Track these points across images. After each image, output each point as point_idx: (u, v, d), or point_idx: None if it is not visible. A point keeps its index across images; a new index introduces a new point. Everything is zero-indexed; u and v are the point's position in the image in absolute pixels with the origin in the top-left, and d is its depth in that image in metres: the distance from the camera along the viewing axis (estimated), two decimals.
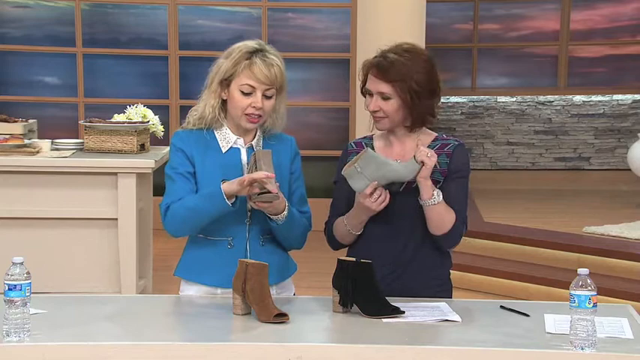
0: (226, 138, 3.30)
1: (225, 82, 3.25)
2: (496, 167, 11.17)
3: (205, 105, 3.29)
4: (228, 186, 3.15)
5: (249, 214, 3.27)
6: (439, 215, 3.20)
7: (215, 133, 3.31)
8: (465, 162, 3.30)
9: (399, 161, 3.21)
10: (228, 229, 3.26)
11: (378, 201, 3.16)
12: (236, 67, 3.22)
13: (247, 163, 3.26)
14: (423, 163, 3.12)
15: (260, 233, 3.29)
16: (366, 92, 3.28)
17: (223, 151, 3.29)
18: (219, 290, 3.27)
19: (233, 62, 3.22)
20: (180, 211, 3.22)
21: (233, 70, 3.22)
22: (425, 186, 3.17)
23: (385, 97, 3.22)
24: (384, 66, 3.21)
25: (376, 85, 3.22)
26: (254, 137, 3.33)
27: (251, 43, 3.27)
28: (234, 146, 3.30)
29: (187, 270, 3.34)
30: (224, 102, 3.29)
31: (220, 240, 3.28)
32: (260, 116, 3.25)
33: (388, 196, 3.17)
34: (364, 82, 3.28)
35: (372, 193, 3.14)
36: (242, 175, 3.21)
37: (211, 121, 3.29)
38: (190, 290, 3.33)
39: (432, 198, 3.17)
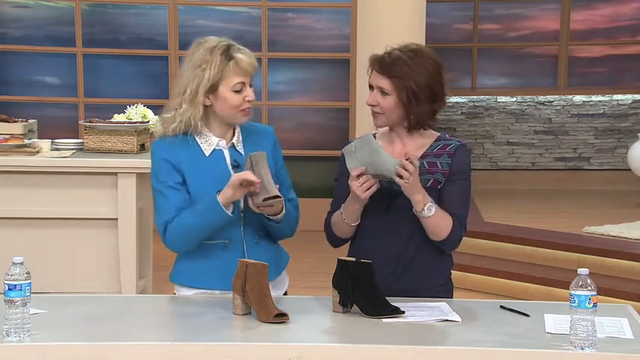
0: (208, 141, 3.28)
1: (212, 89, 3.22)
2: (496, 167, 11.16)
3: (191, 116, 3.22)
4: (223, 194, 3.16)
5: (242, 214, 3.27)
6: (435, 225, 3.20)
7: (196, 138, 3.28)
8: (466, 163, 3.30)
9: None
10: (224, 232, 3.26)
11: (363, 187, 3.14)
12: (222, 71, 3.20)
13: (231, 164, 3.26)
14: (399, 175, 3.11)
15: (254, 231, 3.29)
16: (370, 86, 3.29)
17: (207, 154, 3.28)
18: (217, 292, 3.27)
19: (217, 68, 3.19)
20: (179, 230, 3.20)
21: (219, 75, 3.20)
22: (414, 201, 3.16)
23: (384, 93, 3.23)
24: (386, 61, 3.22)
25: (377, 79, 3.24)
26: (233, 135, 3.32)
27: (219, 42, 3.23)
28: (217, 148, 3.29)
29: (185, 275, 3.33)
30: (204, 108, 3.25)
31: (216, 243, 3.27)
32: (250, 107, 3.27)
33: (375, 185, 3.16)
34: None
35: (359, 177, 3.13)
36: (230, 175, 3.20)
37: (193, 130, 3.26)
38: (188, 294, 3.32)
39: (423, 212, 3.17)
